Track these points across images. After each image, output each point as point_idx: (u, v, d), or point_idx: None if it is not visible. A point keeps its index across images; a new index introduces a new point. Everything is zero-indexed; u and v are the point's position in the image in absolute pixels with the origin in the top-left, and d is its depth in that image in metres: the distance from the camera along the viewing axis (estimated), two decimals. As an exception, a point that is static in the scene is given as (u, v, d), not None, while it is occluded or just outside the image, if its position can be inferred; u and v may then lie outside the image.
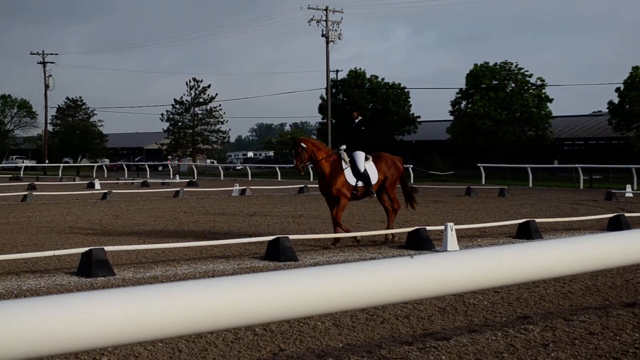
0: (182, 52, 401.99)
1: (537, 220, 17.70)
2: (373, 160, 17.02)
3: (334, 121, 79.53)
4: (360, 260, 13.53)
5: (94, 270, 11.82)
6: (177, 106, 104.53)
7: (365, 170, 16.62)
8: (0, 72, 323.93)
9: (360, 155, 16.73)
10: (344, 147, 17.03)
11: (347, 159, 16.61)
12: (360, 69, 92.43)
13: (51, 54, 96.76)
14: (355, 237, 16.29)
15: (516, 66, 74.06)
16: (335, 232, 16.18)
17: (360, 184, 16.52)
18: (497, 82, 73.04)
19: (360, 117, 17.44)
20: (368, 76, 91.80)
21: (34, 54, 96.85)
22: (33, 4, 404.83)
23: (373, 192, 16.83)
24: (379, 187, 17.07)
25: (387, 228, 17.04)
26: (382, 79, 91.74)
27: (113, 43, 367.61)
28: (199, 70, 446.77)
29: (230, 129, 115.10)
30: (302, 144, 16.66)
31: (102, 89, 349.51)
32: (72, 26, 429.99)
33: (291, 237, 14.28)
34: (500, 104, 71.81)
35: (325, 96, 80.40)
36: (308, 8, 70.93)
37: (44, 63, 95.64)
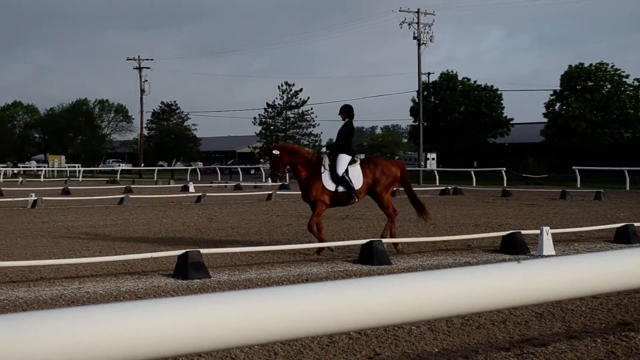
0: (274, 56, 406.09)
1: (635, 224, 17.26)
2: (362, 164, 15.83)
3: (425, 124, 79.06)
4: (455, 265, 13.43)
5: (190, 272, 11.97)
6: (270, 110, 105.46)
7: (345, 174, 15.46)
8: (98, 77, 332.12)
9: (341, 158, 15.59)
10: (325, 150, 16.34)
11: (327, 163, 15.62)
12: (452, 71, 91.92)
13: (147, 60, 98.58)
14: (330, 248, 15.18)
15: (612, 67, 72.60)
16: (320, 239, 15.40)
17: (341, 188, 15.45)
18: (592, 83, 71.72)
19: (347, 119, 16.18)
20: (460, 78, 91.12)
21: (130, 59, 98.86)
22: (130, 12, 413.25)
23: (355, 198, 15.58)
24: (369, 192, 15.89)
25: (382, 235, 15.75)
26: (475, 81, 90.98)
27: (207, 48, 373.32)
28: (290, 73, 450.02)
29: (321, 132, 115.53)
30: (274, 151, 16.01)
31: (195, 93, 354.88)
32: (168, 32, 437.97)
33: (384, 240, 14.23)
34: (595, 105, 70.51)
35: (416, 99, 79.97)
36: (400, 11, 70.63)
37: (139, 68, 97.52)
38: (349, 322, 2.23)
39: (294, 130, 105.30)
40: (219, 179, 68.10)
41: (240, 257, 14.35)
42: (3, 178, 71.95)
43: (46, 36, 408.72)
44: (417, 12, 70.74)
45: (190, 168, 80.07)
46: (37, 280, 11.84)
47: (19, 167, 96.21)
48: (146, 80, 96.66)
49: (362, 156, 18.03)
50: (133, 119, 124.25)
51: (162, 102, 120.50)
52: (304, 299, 2.17)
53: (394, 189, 16.93)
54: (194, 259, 12.12)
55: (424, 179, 62.88)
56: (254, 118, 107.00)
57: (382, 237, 15.41)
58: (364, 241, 14.08)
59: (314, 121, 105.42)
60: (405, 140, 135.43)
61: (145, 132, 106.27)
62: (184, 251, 12.29)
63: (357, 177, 15.59)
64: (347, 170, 15.54)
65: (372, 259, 13.54)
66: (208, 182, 59.61)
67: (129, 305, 1.99)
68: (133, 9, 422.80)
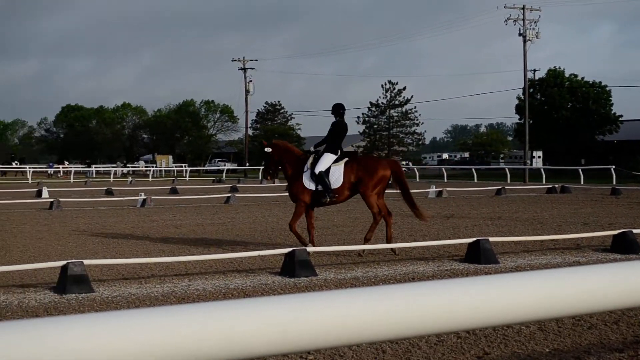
0: (379, 55, 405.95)
1: None
2: (347, 163, 15.37)
3: (531, 121, 77.73)
4: (563, 264, 13.19)
5: (297, 270, 12.08)
6: (373, 109, 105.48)
7: (323, 172, 15.12)
8: (204, 78, 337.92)
9: (324, 157, 15.35)
10: (313, 149, 16.02)
11: (310, 162, 15.41)
12: (559, 67, 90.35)
13: (251, 60, 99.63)
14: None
15: None
16: (302, 241, 15.08)
17: (320, 187, 15.14)
18: None
19: (337, 118, 16.06)
20: (567, 75, 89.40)
21: (235, 60, 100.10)
22: (237, 14, 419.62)
23: (327, 197, 15.11)
24: (352, 192, 15.43)
25: (388, 240, 15.17)
26: (582, 78, 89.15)
27: (313, 48, 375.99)
28: (395, 72, 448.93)
29: (425, 131, 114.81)
30: (266, 149, 15.95)
31: (300, 93, 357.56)
32: (274, 33, 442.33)
33: (491, 239, 14.08)
34: None
35: (522, 96, 78.73)
36: (505, 7, 69.62)
37: (244, 69, 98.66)
38: (457, 321, 2.22)
39: (398, 129, 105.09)
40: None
41: (345, 256, 14.40)
42: (113, 178, 73.81)
43: (154, 39, 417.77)
44: (523, 8, 69.57)
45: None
46: (149, 278, 12.12)
47: (128, 167, 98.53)
48: (251, 81, 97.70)
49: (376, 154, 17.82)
50: (238, 119, 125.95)
51: (267, 102, 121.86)
52: (412, 298, 2.17)
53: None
54: (301, 257, 12.23)
55: (530, 178, 61.89)
56: (358, 117, 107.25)
57: (389, 240, 15.14)
58: (470, 240, 13.96)
59: (417, 120, 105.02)
60: (510, 139, 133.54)
61: (250, 131, 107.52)
62: (291, 249, 12.41)
63: (337, 177, 15.22)
64: (328, 169, 15.25)
65: (479, 257, 13.41)
66: (312, 181, 59.86)
67: (241, 303, 2.02)
68: (240, 10, 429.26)
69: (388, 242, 15.07)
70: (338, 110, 16.20)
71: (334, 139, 15.77)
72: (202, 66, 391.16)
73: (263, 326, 1.96)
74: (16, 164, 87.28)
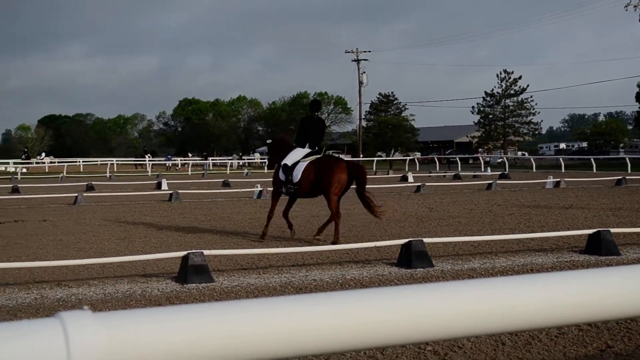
0: (496, 44, 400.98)
1: None
2: (312, 161, 15.92)
3: (653, 109, 75.37)
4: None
5: (413, 261, 12.05)
6: (488, 98, 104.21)
7: (288, 165, 16.06)
8: (319, 71, 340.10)
9: (293, 152, 16.23)
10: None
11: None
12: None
13: (365, 52, 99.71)
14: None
15: None
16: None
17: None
18: None
19: (310, 114, 16.94)
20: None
21: (349, 52, 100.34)
22: (352, 5, 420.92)
23: (281, 188, 16.43)
24: (313, 189, 16.02)
25: (319, 231, 16.23)
26: None
27: (428, 38, 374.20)
28: (512, 61, 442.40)
29: (541, 120, 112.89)
30: (267, 141, 16.65)
31: (415, 84, 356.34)
32: (390, 24, 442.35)
33: (613, 230, 13.74)
34: None
35: (643, 83, 76.42)
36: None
37: (357, 60, 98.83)
38: (577, 313, 2.18)
39: (513, 119, 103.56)
40: (437, 168, 67.97)
41: (462, 247, 14.28)
42: (229, 170, 74.99)
43: (270, 34, 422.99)
44: (643, -8, 67.58)
45: (408, 158, 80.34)
46: (267, 268, 12.28)
47: (244, 159, 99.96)
48: (364, 72, 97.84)
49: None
50: (352, 110, 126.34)
51: (380, 94, 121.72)
52: (530, 289, 2.13)
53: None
54: (417, 248, 12.19)
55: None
56: (472, 107, 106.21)
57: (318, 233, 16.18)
58: (590, 231, 13.66)
59: (533, 109, 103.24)
60: (630, 127, 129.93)
61: (363, 123, 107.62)
62: (406, 240, 12.38)
63: (298, 172, 15.87)
64: (295, 163, 15.99)
65: (600, 249, 13.11)
66: (427, 172, 59.67)
67: (358, 293, 2.02)
68: (355, 2, 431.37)
69: (319, 232, 16.17)
70: (312, 107, 17.28)
71: (303, 135, 16.55)
72: (317, 58, 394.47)
73: (382, 317, 1.97)
74: (149, 157, 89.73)
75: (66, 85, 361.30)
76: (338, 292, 2.00)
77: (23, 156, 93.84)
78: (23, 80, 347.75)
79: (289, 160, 16.12)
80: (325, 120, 15.04)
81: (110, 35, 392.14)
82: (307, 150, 16.26)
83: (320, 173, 15.70)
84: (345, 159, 17.11)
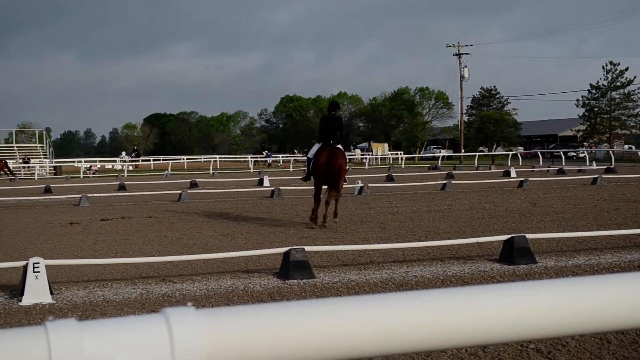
0: (605, 35, 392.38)
1: None
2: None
3: None
4: None
5: (516, 257, 11.90)
6: (593, 91, 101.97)
7: (309, 157, 18.93)
8: (422, 65, 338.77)
9: (313, 147, 18.98)
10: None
11: None
12: None
13: (466, 46, 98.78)
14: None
15: None
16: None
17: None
18: None
19: (327, 113, 19.31)
20: None
21: (450, 46, 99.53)
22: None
23: (305, 177, 19.48)
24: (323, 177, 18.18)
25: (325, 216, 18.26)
26: None
27: (537, 30, 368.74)
28: (621, 53, 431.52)
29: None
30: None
31: (520, 77, 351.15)
32: (494, 17, 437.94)
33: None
34: None
35: None
36: None
37: (459, 54, 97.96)
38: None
39: (620, 112, 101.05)
40: (541, 163, 66.85)
41: (566, 243, 14.02)
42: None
43: (373, 30, 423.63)
44: None
45: (510, 153, 79.23)
46: (367, 264, 12.30)
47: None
48: (466, 66, 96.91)
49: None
50: (453, 105, 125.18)
51: (482, 88, 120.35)
52: (636, 287, 2.09)
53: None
54: (520, 244, 12.03)
55: None
56: (577, 100, 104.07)
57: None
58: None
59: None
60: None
61: (465, 118, 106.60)
62: (509, 236, 12.24)
63: (311, 162, 18.56)
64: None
65: None
66: (530, 166, 58.77)
67: (457, 291, 2.02)
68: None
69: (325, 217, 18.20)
70: (329, 107, 19.48)
71: (321, 132, 18.63)
72: (419, 53, 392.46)
73: (485, 314, 1.96)
74: (266, 154, 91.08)
75: (173, 84, 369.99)
76: (435, 289, 2.00)
77: (133, 154, 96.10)
78: (131, 80, 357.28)
79: (310, 154, 18.92)
80: (342, 118, 17.67)
81: (217, 34, 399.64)
82: (322, 144, 18.42)
83: (324, 161, 17.99)
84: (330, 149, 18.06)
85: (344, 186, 18.87)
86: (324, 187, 18.34)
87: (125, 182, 38.81)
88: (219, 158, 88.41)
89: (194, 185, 37.79)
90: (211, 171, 62.02)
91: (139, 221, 20.16)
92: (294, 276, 10.99)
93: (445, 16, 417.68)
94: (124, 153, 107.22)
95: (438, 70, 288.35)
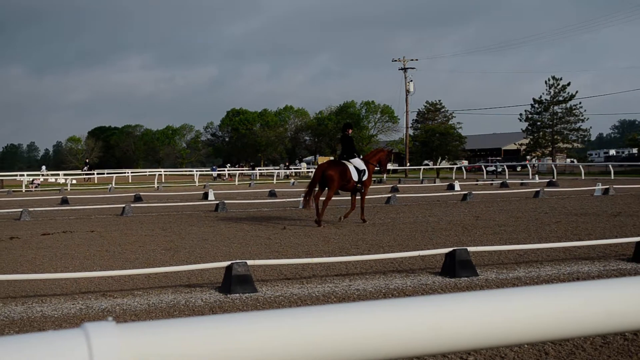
0: (548, 51, 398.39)
1: None
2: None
3: None
4: None
5: (457, 270, 11.99)
6: (536, 106, 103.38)
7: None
8: (370, 80, 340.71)
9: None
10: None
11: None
12: None
13: (412, 60, 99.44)
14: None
15: None
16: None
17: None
18: None
19: (342, 133, 23.52)
20: None
21: (396, 60, 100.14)
22: (407, 14, 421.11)
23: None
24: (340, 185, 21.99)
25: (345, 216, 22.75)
26: None
27: (488, 45, 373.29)
28: (562, 67, 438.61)
29: (591, 127, 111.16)
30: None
31: (469, 90, 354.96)
32: (445, 32, 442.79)
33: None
34: None
35: (694, 88, 75.26)
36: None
37: (404, 69, 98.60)
38: (623, 322, 2.15)
39: (562, 126, 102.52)
40: (485, 177, 67.50)
41: (507, 255, 14.17)
42: (276, 180, 75.16)
43: (323, 45, 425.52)
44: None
45: (455, 167, 79.89)
46: (310, 278, 12.28)
47: (291, 169, 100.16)
48: (411, 81, 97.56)
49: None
50: (399, 119, 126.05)
51: (427, 102, 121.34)
52: (574, 297, 2.12)
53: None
54: (462, 257, 12.12)
55: None
56: (520, 114, 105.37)
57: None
58: (638, 239, 13.47)
59: (582, 115, 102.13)
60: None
61: (410, 131, 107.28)
62: (451, 249, 12.32)
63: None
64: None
65: (648, 257, 12.95)
66: (474, 180, 59.28)
67: (398, 302, 2.02)
68: (410, 11, 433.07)
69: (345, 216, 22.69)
70: (343, 128, 23.37)
71: (342, 149, 23.02)
72: (372, 67, 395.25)
73: (419, 325, 1.96)
74: (86, 169, 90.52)
75: (123, 98, 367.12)
76: (367, 301, 2.00)
77: (85, 168, 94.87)
78: (80, 93, 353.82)
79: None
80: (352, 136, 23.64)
81: (170, 47, 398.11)
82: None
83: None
84: (330, 162, 22.58)
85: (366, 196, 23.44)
86: (316, 189, 21.94)
87: (68, 196, 38.37)
88: (164, 171, 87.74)
89: (138, 199, 37.50)
90: (156, 185, 61.57)
91: (80, 235, 19.92)
92: (236, 290, 10.93)
93: (400, 30, 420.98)
94: (44, 167, 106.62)
95: (388, 84, 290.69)
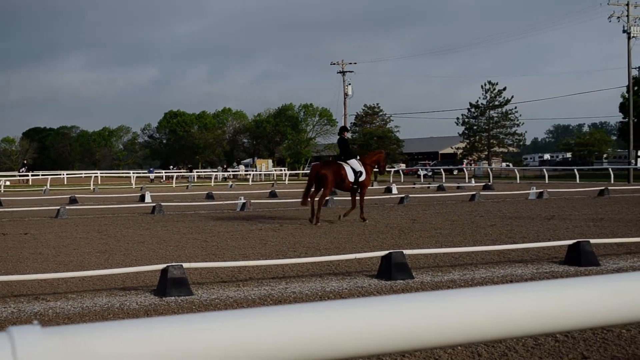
0: (492, 55, 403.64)
1: None
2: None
3: (635, 120, 75.79)
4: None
5: (393, 273, 12.05)
6: (473, 110, 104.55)
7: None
8: (312, 82, 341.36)
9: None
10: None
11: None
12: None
13: (350, 64, 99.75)
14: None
15: None
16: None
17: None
18: None
19: (339, 135, 24.48)
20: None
21: (334, 64, 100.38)
22: (348, 17, 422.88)
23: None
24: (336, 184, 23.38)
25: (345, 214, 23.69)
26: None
27: (427, 50, 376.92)
28: (496, 72, 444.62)
29: (526, 132, 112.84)
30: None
31: (407, 95, 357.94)
32: (392, 34, 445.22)
33: (592, 241, 13.80)
34: None
35: (626, 94, 76.81)
36: (608, 4, 68.02)
37: (342, 72, 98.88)
38: (555, 323, 2.18)
39: (497, 130, 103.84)
40: (422, 180, 68.02)
41: (443, 258, 14.30)
42: (214, 182, 74.85)
43: (264, 47, 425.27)
44: (627, 4, 67.85)
45: (392, 170, 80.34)
46: (246, 281, 12.25)
47: (229, 171, 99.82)
48: (349, 84, 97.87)
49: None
50: (337, 122, 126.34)
51: (365, 105, 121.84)
52: (508, 299, 2.14)
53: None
54: (398, 259, 12.19)
55: (635, 178, 60.35)
56: (457, 118, 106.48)
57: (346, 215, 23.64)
58: (570, 242, 13.70)
59: (517, 120, 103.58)
60: (614, 138, 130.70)
61: (348, 135, 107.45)
62: (387, 252, 12.38)
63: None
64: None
65: (580, 259, 13.16)
66: (411, 183, 59.69)
67: (332, 304, 2.03)
68: (351, 14, 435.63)
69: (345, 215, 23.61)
70: (339, 131, 24.76)
71: (339, 151, 24.10)
72: (313, 69, 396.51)
73: (352, 327, 1.97)
74: (23, 170, 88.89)
75: (63, 98, 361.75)
76: (302, 304, 2.00)
77: (23, 169, 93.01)
78: (18, 93, 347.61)
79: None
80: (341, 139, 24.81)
81: (111, 48, 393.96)
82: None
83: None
84: (325, 163, 24.20)
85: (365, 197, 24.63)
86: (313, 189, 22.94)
87: (1, 198, 37.73)
88: (101, 173, 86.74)
89: (73, 201, 37.03)
90: (92, 187, 60.89)
91: (14, 238, 19.59)
92: (172, 293, 10.86)
93: (342, 33, 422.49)
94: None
95: (329, 87, 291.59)
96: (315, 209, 22.68)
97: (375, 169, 24.64)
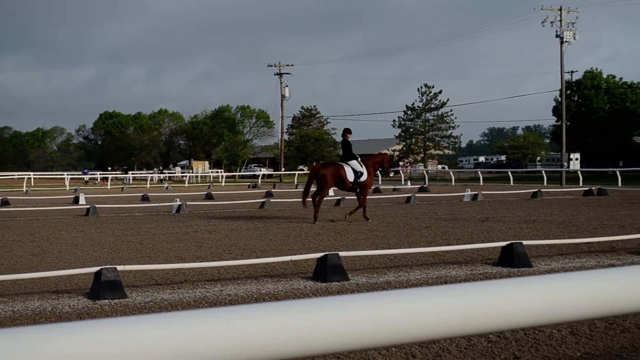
0: (430, 58, 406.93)
1: None
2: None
3: (568, 123, 77.09)
4: (598, 267, 13.06)
5: (329, 275, 12.08)
6: (409, 112, 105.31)
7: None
8: (251, 83, 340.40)
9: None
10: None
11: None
12: (596, 69, 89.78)
13: (287, 65, 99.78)
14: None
15: None
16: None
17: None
18: None
19: (343, 137, 24.92)
20: (605, 76, 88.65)
21: (271, 65, 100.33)
22: (287, 19, 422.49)
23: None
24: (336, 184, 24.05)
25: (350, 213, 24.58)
26: (620, 79, 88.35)
27: (367, 53, 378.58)
28: (443, 75, 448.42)
29: (461, 134, 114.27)
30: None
31: (346, 97, 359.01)
32: (328, 38, 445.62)
33: (525, 242, 13.99)
34: None
35: (559, 98, 78.12)
36: (541, 9, 69.01)
37: (280, 74, 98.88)
38: (487, 324, 2.21)
39: (434, 132, 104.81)
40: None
41: (378, 260, 14.38)
42: (150, 184, 74.26)
43: (201, 48, 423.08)
44: (560, 9, 68.96)
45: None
46: (181, 283, 12.18)
47: (165, 173, 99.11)
48: (287, 86, 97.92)
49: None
50: (274, 124, 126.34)
51: (302, 107, 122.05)
52: (441, 300, 2.16)
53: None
54: (333, 261, 12.22)
55: (567, 180, 61.42)
56: (394, 121, 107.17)
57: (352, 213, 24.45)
58: (503, 243, 13.88)
59: (453, 123, 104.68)
60: (547, 141, 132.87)
61: (285, 137, 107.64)
62: (323, 254, 12.41)
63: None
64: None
65: (513, 261, 13.34)
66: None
67: (268, 306, 2.03)
68: (290, 16, 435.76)
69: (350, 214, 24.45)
70: (343, 133, 24.93)
71: (342, 152, 24.75)
72: (250, 72, 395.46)
73: (289, 329, 1.97)
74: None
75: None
76: (235, 306, 2.00)
77: None
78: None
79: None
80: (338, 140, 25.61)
81: (46, 47, 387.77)
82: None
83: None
84: (324, 163, 25.44)
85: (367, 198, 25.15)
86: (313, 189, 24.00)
87: None
88: (34, 175, 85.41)
89: (5, 203, 36.42)
90: (24, 189, 59.93)
91: (-57, 241, 19.20)
92: (106, 296, 10.73)
93: (281, 35, 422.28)
94: None
95: (267, 89, 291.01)
96: (315, 208, 23.66)
97: (379, 170, 25.40)
